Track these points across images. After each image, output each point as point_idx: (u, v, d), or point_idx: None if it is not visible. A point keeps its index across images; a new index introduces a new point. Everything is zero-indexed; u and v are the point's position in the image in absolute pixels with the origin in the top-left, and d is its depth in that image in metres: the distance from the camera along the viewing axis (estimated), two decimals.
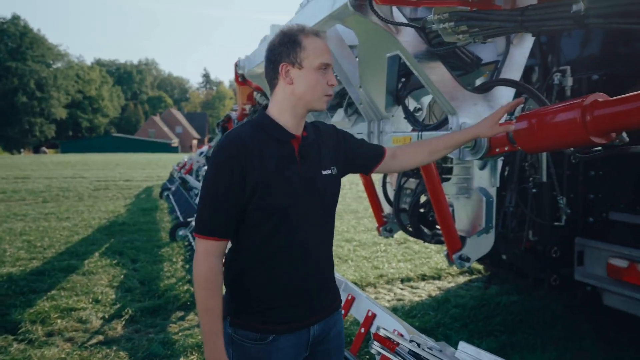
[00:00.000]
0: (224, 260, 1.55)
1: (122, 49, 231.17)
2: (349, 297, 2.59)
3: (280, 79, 1.51)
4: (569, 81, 3.10)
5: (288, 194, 1.47)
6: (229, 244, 1.59)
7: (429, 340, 1.78)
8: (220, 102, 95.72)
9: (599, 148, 1.67)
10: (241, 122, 1.66)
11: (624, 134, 1.49)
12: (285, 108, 1.53)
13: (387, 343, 1.65)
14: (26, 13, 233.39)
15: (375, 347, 1.66)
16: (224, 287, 1.53)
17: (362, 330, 2.28)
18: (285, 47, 1.49)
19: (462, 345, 1.74)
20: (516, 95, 2.24)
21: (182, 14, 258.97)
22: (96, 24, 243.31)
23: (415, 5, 1.90)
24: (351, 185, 13.99)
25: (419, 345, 1.66)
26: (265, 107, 1.59)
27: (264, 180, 1.44)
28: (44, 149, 57.63)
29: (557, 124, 1.54)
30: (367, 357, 3.05)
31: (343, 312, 2.61)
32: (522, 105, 1.88)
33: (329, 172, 1.59)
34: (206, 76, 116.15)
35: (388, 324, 2.11)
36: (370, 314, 2.30)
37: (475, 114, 2.13)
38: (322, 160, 1.58)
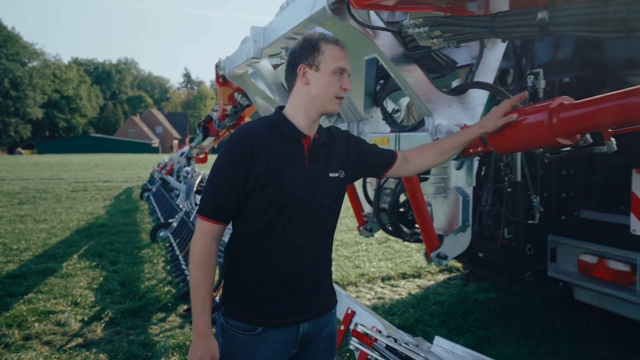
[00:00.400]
0: (222, 247, 1.61)
1: (102, 49, 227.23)
2: None
3: (297, 79, 1.59)
4: (542, 84, 3.22)
5: (288, 190, 1.52)
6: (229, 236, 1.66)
7: (406, 336, 1.83)
8: (202, 102, 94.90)
9: (568, 148, 1.75)
10: (257, 119, 1.71)
11: (588, 136, 1.56)
12: (300, 108, 1.60)
13: (365, 339, 1.69)
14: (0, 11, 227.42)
15: (354, 343, 1.70)
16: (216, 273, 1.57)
17: (342, 327, 2.33)
18: (305, 50, 1.58)
19: (438, 340, 1.80)
20: (490, 97, 2.31)
21: (167, 14, 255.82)
22: (76, 23, 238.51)
23: (391, 10, 1.94)
24: None
25: (395, 340, 1.71)
26: (282, 107, 1.65)
27: (267, 174, 1.50)
28: (19, 149, 56.28)
29: (525, 125, 1.61)
30: (347, 354, 3.10)
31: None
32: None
33: (336, 175, 1.63)
34: (187, 76, 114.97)
35: (367, 321, 2.16)
36: (349, 311, 2.35)
37: (450, 115, 2.20)
38: (331, 163, 1.63)
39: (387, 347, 1.67)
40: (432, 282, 5.20)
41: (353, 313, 2.34)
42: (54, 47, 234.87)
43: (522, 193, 3.42)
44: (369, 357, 1.85)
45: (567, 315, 3.88)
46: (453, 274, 5.43)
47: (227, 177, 1.52)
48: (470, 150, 2.00)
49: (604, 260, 2.93)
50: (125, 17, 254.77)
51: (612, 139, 1.58)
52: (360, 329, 1.72)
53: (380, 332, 1.92)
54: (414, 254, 6.29)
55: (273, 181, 1.52)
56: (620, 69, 3.36)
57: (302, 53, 1.59)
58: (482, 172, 3.60)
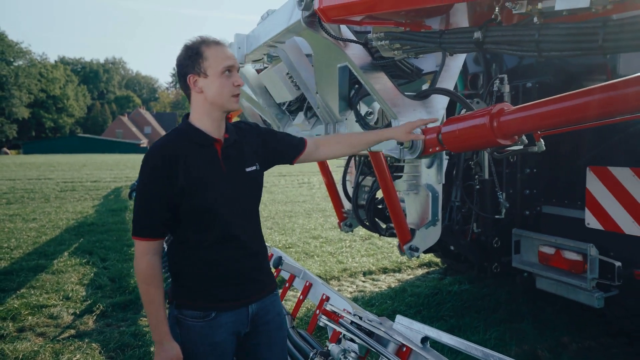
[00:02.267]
0: (166, 252, 1.76)
1: (91, 48, 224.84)
2: (307, 284, 2.85)
3: (191, 89, 1.68)
4: (507, 88, 3.47)
5: (213, 194, 1.66)
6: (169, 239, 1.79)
7: (371, 315, 2.06)
8: None
9: (513, 148, 1.99)
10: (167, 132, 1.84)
11: (524, 137, 1.80)
12: (203, 114, 1.69)
13: (332, 316, 1.91)
14: None
15: (323, 320, 1.92)
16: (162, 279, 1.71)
17: (317, 311, 2.55)
18: (189, 60, 1.64)
19: (399, 318, 2.03)
20: (450, 101, 2.55)
21: (157, 13, 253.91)
22: (58, 20, 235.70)
23: (357, 25, 2.17)
24: (321, 184, 14.27)
25: (360, 318, 1.93)
26: (188, 115, 1.76)
27: (189, 184, 1.61)
28: (5, 149, 55.59)
29: (471, 128, 1.84)
30: (325, 336, 3.32)
31: (300, 297, 2.86)
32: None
33: (253, 168, 1.78)
34: (175, 75, 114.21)
35: (339, 304, 2.39)
36: (324, 296, 2.57)
37: (414, 118, 2.42)
38: (246, 158, 1.77)
39: (352, 323, 1.89)
40: (411, 276, 5.44)
41: (327, 298, 2.56)
42: (43, 46, 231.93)
43: (489, 190, 3.67)
44: (341, 335, 2.07)
45: (532, 304, 4.14)
46: (432, 269, 5.67)
47: (152, 194, 1.62)
48: (430, 150, 2.23)
49: (560, 251, 3.19)
50: (115, 17, 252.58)
51: (541, 140, 1.82)
52: (329, 307, 1.93)
53: (350, 312, 2.14)
54: (395, 250, 6.53)
55: (197, 190, 1.63)
56: (578, 74, 3.62)
57: (187, 63, 1.64)
58: (454, 171, 3.85)
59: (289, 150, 1.97)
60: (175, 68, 1.71)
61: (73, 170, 22.08)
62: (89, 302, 4.51)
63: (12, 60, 64.77)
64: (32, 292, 4.77)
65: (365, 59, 2.35)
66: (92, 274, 5.41)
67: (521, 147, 1.82)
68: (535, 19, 1.39)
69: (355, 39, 2.26)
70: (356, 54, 2.33)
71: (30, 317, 4.13)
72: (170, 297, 1.76)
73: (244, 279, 1.75)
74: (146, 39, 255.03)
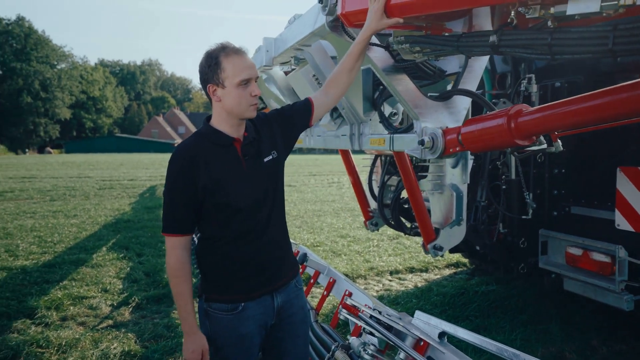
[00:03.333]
0: (195, 248, 1.87)
1: (124, 50, 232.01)
2: (331, 280, 2.93)
3: (211, 97, 1.78)
4: (534, 88, 3.46)
5: (234, 191, 1.75)
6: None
7: (391, 310, 2.12)
8: None
9: (532, 148, 2.01)
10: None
11: (542, 138, 1.82)
12: (222, 120, 1.80)
13: (353, 310, 1.98)
14: (30, 14, 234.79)
15: (343, 313, 1.99)
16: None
17: (340, 306, 2.62)
18: (209, 69, 1.73)
19: (418, 313, 2.08)
20: (473, 103, 2.57)
21: (190, 16, 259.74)
22: (98, 24, 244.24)
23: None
24: (350, 184, 14.31)
25: (380, 312, 2.00)
26: (209, 118, 1.86)
27: (211, 182, 1.71)
28: (48, 149, 58.15)
29: (489, 129, 1.87)
30: (347, 330, 3.40)
31: (322, 292, 2.93)
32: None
33: (269, 157, 1.86)
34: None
35: (361, 300, 2.46)
36: (347, 292, 2.65)
37: (435, 119, 2.46)
38: (263, 149, 1.86)
39: (372, 317, 1.96)
40: (438, 276, 5.44)
41: (350, 294, 2.63)
42: (80, 49, 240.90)
43: (516, 190, 3.65)
44: (362, 329, 2.14)
45: (560, 305, 4.08)
46: (459, 269, 5.65)
47: (177, 194, 1.73)
48: (450, 150, 2.26)
49: (588, 252, 3.15)
50: (148, 20, 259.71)
51: (559, 141, 1.83)
52: (349, 302, 2.01)
53: (371, 307, 2.21)
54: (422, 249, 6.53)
55: (218, 188, 1.73)
56: (611, 73, 3.55)
57: (207, 72, 1.73)
58: (480, 171, 3.84)
59: (300, 116, 1.99)
60: (199, 73, 1.80)
61: (111, 169, 22.92)
62: (125, 294, 4.73)
63: (55, 63, 67.69)
64: (74, 284, 5.04)
65: (387, 61, 2.40)
66: (128, 268, 5.66)
67: (539, 147, 1.84)
68: (549, 23, 1.42)
69: (377, 42, 2.32)
70: (378, 56, 2.39)
71: (71, 307, 4.38)
72: (199, 292, 1.89)
73: (268, 268, 1.85)
74: (179, 41, 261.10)
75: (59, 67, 68.45)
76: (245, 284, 1.82)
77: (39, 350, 3.48)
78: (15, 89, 60.34)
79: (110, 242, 7.13)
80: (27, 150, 58.35)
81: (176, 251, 1.75)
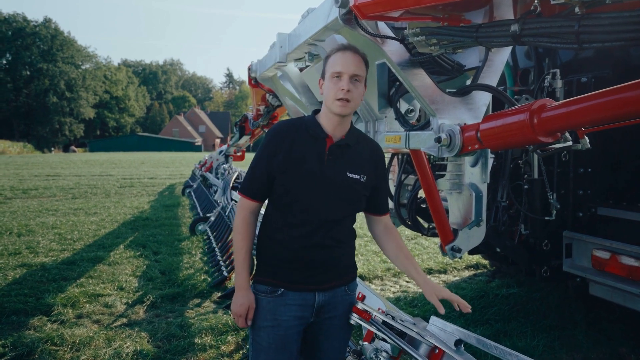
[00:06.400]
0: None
1: (146, 50, 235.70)
2: None
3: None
4: (559, 83, 3.30)
5: (302, 179, 1.79)
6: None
7: (405, 315, 2.02)
8: (243, 102, 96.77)
9: (556, 145, 1.89)
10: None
11: (567, 134, 1.70)
12: (323, 112, 1.88)
13: (363, 314, 1.89)
14: (56, 15, 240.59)
15: (354, 318, 1.91)
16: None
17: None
18: (323, 63, 1.89)
19: (433, 319, 1.98)
20: (493, 98, 2.45)
21: (211, 15, 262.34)
22: (122, 25, 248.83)
23: (393, 21, 2.13)
24: None
25: (393, 317, 1.91)
26: (318, 110, 1.92)
27: (285, 162, 1.79)
28: (73, 147, 59.51)
29: (510, 125, 1.76)
30: (361, 334, 3.30)
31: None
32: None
33: (356, 176, 1.85)
34: (229, 76, 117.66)
35: (374, 304, 2.37)
36: (360, 295, 2.56)
37: (453, 116, 2.36)
38: (352, 164, 1.86)
39: (384, 323, 1.87)
40: (457, 278, 5.30)
41: (363, 297, 2.54)
42: (103, 50, 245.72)
43: (539, 190, 3.50)
44: (374, 335, 2.05)
45: (585, 310, 3.91)
46: (479, 271, 5.50)
47: (260, 162, 1.84)
48: (469, 148, 2.16)
49: (616, 256, 2.99)
50: (171, 20, 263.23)
51: (585, 137, 1.71)
52: (360, 306, 1.92)
53: (384, 312, 2.12)
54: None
55: (291, 169, 1.80)
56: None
57: (323, 66, 1.87)
58: (501, 170, 3.70)
59: (373, 201, 1.99)
60: None
61: (132, 168, 23.27)
62: (141, 293, 4.74)
63: (80, 63, 69.25)
64: (90, 281, 5.08)
65: (403, 55, 2.30)
66: (144, 267, 5.68)
67: (564, 144, 1.72)
68: (576, 10, 1.31)
69: (392, 35, 2.22)
70: (393, 50, 2.29)
71: (87, 305, 4.40)
72: (252, 275, 1.94)
73: (313, 267, 1.84)
74: (199, 40, 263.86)
75: (83, 67, 69.98)
76: (290, 274, 1.84)
77: (53, 348, 3.49)
78: (42, 89, 61.96)
79: (128, 239, 7.19)
80: (52, 148, 59.81)
81: (244, 212, 1.87)
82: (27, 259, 5.97)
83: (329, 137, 1.84)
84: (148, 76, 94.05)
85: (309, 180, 1.80)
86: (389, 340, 1.86)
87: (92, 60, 72.80)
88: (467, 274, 5.44)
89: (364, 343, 2.00)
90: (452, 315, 4.06)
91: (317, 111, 1.92)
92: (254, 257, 1.99)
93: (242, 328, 2.90)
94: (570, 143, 1.87)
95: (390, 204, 4.33)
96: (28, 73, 63.01)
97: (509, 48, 2.58)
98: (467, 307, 1.86)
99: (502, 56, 2.58)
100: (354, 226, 2.00)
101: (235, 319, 1.86)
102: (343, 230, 1.91)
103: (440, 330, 1.88)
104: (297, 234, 1.82)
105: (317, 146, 1.82)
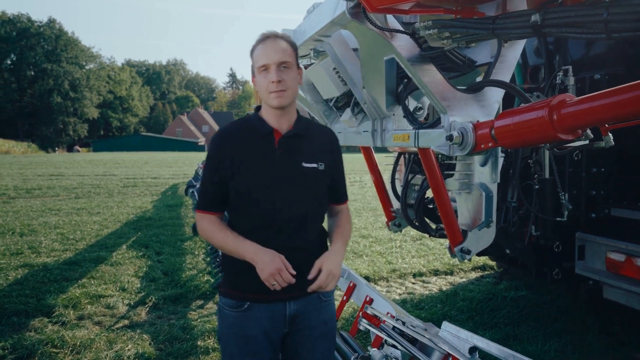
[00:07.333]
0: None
1: (150, 50, 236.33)
2: (351, 284, 2.77)
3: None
4: (571, 80, 3.21)
5: (254, 180, 1.70)
6: None
7: (416, 321, 1.94)
8: (246, 102, 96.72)
9: (576, 143, 1.81)
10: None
11: (588, 131, 1.62)
12: (264, 107, 1.81)
13: (374, 320, 1.82)
14: (60, 15, 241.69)
15: (364, 323, 1.83)
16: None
17: (361, 313, 2.45)
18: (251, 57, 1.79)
19: (445, 324, 1.90)
20: (505, 94, 2.37)
21: (214, 16, 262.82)
22: (126, 24, 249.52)
23: (404, 14, 2.05)
24: (372, 183, 14.09)
25: (404, 323, 1.83)
26: (259, 107, 1.83)
27: (234, 166, 1.70)
28: (77, 147, 59.62)
29: (528, 121, 1.67)
30: (368, 338, 3.22)
31: (345, 298, 2.77)
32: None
33: (313, 165, 1.75)
34: (232, 76, 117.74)
35: (383, 307, 2.29)
36: (368, 298, 2.48)
37: (465, 113, 2.27)
38: (306, 153, 1.76)
39: (394, 329, 1.79)
40: (463, 280, 5.21)
41: (371, 300, 2.46)
42: (108, 50, 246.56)
43: (550, 190, 3.41)
44: (383, 340, 1.97)
45: (598, 314, 3.81)
46: (486, 272, 5.41)
47: (208, 174, 1.77)
48: (482, 146, 2.07)
49: (632, 259, 2.89)
50: (172, 20, 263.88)
51: (609, 134, 1.62)
52: (370, 311, 1.84)
53: (393, 317, 2.04)
54: (447, 251, 6.29)
55: (239, 173, 1.71)
56: None
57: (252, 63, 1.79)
58: (511, 169, 3.61)
59: (333, 190, 1.90)
60: None
61: (135, 167, 23.26)
62: (143, 294, 4.67)
63: (84, 64, 69.41)
64: (92, 282, 5.01)
65: (413, 50, 2.22)
66: (146, 267, 5.62)
67: (585, 142, 1.63)
68: None
69: (402, 29, 2.14)
70: (403, 45, 2.21)
71: (89, 306, 4.33)
72: (217, 286, 1.86)
73: None
74: (202, 41, 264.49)
75: (87, 67, 70.15)
76: (256, 284, 1.69)
77: (54, 350, 3.43)
78: (46, 89, 62.12)
79: (131, 240, 7.13)
80: (56, 148, 59.97)
81: (205, 221, 1.78)
82: (29, 259, 5.91)
83: (276, 131, 1.76)
84: (151, 76, 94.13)
85: (263, 179, 1.71)
86: (399, 346, 1.78)
87: (96, 60, 72.96)
88: (474, 275, 5.35)
89: (373, 349, 1.92)
90: (459, 318, 3.98)
91: (260, 107, 1.84)
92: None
93: None
94: (586, 142, 1.79)
95: (397, 205, 4.24)
96: (32, 73, 63.20)
97: (522, 43, 2.49)
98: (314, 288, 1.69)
99: (515, 51, 2.49)
100: (323, 225, 1.87)
101: (275, 278, 1.61)
102: (310, 230, 1.78)
103: (453, 337, 1.81)
104: (259, 239, 1.69)
105: (266, 142, 1.75)
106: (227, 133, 1.79)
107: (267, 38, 1.74)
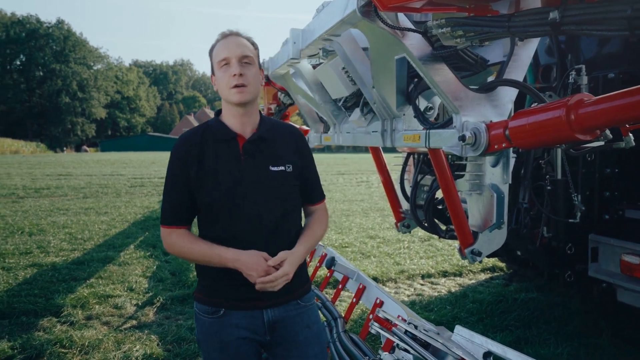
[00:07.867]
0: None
1: (157, 50, 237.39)
2: (360, 287, 2.74)
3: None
4: (584, 79, 3.15)
5: (221, 188, 1.62)
6: None
7: (428, 324, 1.91)
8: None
9: (594, 144, 1.76)
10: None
11: (607, 132, 1.57)
12: (225, 111, 1.71)
13: (385, 324, 1.78)
14: (68, 16, 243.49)
15: (375, 327, 1.80)
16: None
17: (371, 316, 2.42)
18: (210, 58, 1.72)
19: (458, 328, 1.86)
20: (519, 94, 2.32)
21: (204, 15, 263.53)
22: (121, 24, 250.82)
23: (416, 12, 2.01)
24: (379, 183, 14.04)
25: (416, 327, 1.80)
26: (220, 111, 1.76)
27: (200, 176, 1.62)
28: (84, 147, 60.01)
29: (544, 122, 1.64)
30: (378, 341, 3.19)
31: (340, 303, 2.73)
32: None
33: (281, 168, 1.68)
34: None
35: (393, 310, 2.25)
36: (378, 301, 2.45)
37: (477, 113, 2.23)
38: (273, 156, 1.69)
39: (406, 333, 1.76)
40: (473, 281, 5.16)
41: (381, 303, 2.43)
42: (115, 50, 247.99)
43: (562, 191, 3.36)
44: (394, 344, 1.94)
45: (611, 317, 3.75)
46: (495, 274, 5.35)
47: (172, 184, 1.68)
48: (495, 146, 2.03)
49: None
50: (175, 20, 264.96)
51: (630, 135, 1.58)
52: (381, 314, 1.81)
53: (405, 320, 2.00)
54: (456, 252, 6.23)
55: (205, 182, 1.63)
56: None
57: (210, 63, 1.72)
58: (522, 170, 3.56)
59: (305, 190, 1.82)
60: None
61: (143, 167, 23.35)
62: (151, 294, 4.67)
63: (92, 64, 69.89)
64: (100, 282, 5.02)
65: (424, 49, 2.18)
66: (154, 267, 5.62)
67: (604, 142, 1.59)
68: None
69: (413, 27, 2.10)
70: (415, 44, 2.17)
71: (97, 306, 4.34)
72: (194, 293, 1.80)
73: (252, 282, 1.63)
74: (209, 41, 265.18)
75: (95, 68, 70.62)
76: (230, 291, 1.66)
77: (62, 350, 3.43)
78: (55, 90, 62.63)
79: (138, 239, 7.14)
80: (64, 148, 60.40)
81: (172, 237, 1.68)
82: (38, 258, 5.94)
83: (240, 136, 1.69)
84: (159, 76, 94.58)
85: (230, 188, 1.63)
86: (411, 351, 1.75)
87: (104, 60, 73.43)
88: (483, 277, 5.29)
89: (384, 353, 1.89)
90: (469, 320, 3.93)
91: (220, 112, 1.76)
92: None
93: None
94: (604, 142, 1.74)
95: (406, 206, 4.20)
96: (41, 74, 63.75)
97: (536, 41, 2.45)
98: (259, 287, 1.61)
99: (528, 50, 2.44)
100: (298, 229, 1.79)
101: (257, 275, 1.57)
102: (285, 236, 1.72)
103: (466, 341, 1.77)
104: (229, 246, 1.63)
105: (230, 149, 1.67)
106: (188, 142, 1.69)
107: (228, 35, 1.71)
